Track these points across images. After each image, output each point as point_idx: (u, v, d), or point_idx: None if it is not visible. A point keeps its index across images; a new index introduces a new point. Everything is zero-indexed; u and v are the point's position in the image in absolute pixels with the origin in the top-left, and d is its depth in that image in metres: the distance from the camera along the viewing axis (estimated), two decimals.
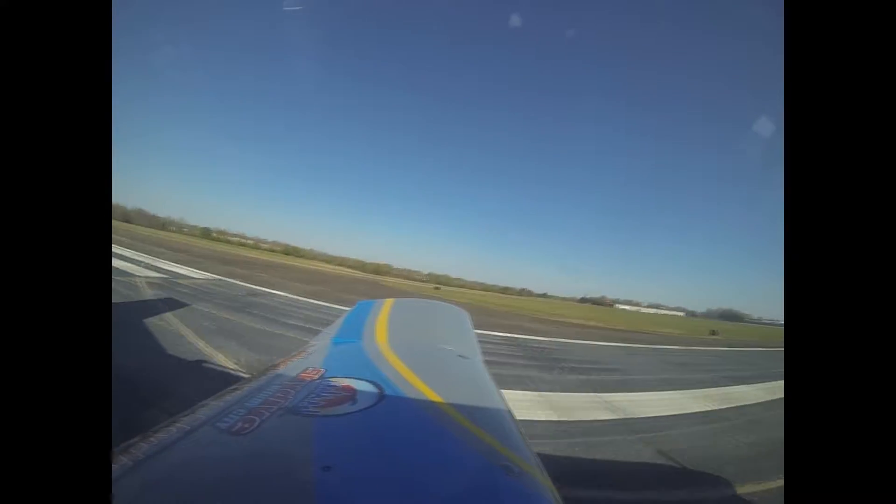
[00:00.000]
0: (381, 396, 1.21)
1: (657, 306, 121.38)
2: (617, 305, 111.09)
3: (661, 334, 29.40)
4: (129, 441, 0.86)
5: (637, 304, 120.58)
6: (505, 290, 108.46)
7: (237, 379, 1.58)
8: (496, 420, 1.25)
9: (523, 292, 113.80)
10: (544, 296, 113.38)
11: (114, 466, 0.77)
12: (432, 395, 1.30)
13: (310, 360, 1.61)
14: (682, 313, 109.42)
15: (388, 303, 2.83)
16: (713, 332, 36.52)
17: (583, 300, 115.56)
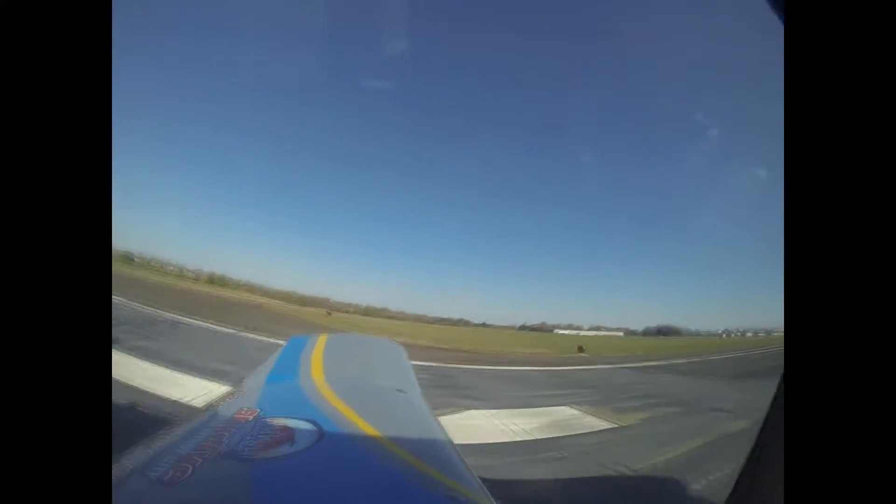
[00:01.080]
0: (321, 436, 1.16)
1: (598, 328, 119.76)
2: (556, 331, 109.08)
3: (525, 355, 26.53)
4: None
5: (578, 328, 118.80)
6: (442, 321, 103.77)
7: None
8: (438, 452, 1.26)
9: (460, 322, 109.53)
10: (484, 325, 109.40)
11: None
12: (373, 432, 1.28)
13: (243, 400, 1.55)
14: (621, 333, 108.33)
15: (322, 339, 2.76)
16: (580, 349, 37.13)
17: (522, 328, 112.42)
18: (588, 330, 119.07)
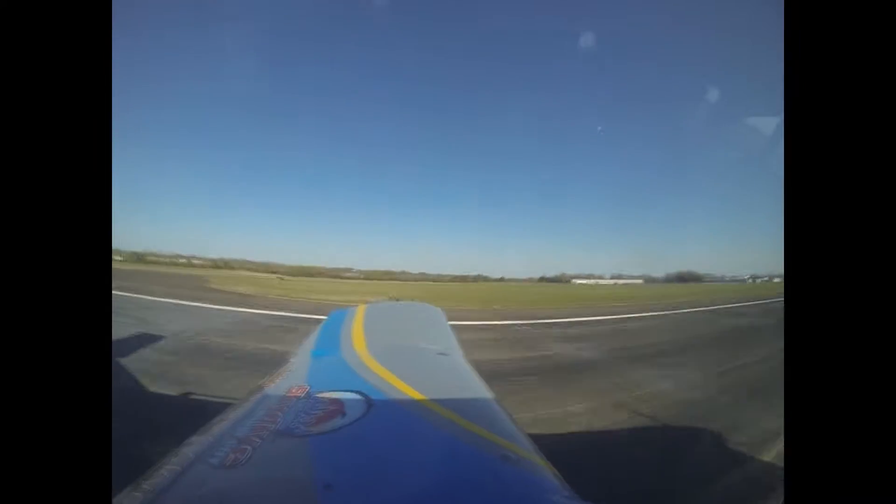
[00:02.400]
0: (370, 405, 1.20)
1: (619, 277, 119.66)
2: (574, 281, 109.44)
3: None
4: (119, 496, 0.81)
5: (599, 278, 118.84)
6: (460, 279, 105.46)
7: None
8: (486, 412, 1.27)
9: (479, 279, 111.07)
10: (501, 280, 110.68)
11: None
12: (419, 397, 1.30)
13: (292, 377, 1.57)
14: (640, 281, 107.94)
15: (361, 309, 2.78)
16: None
17: (542, 279, 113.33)
18: (610, 279, 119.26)
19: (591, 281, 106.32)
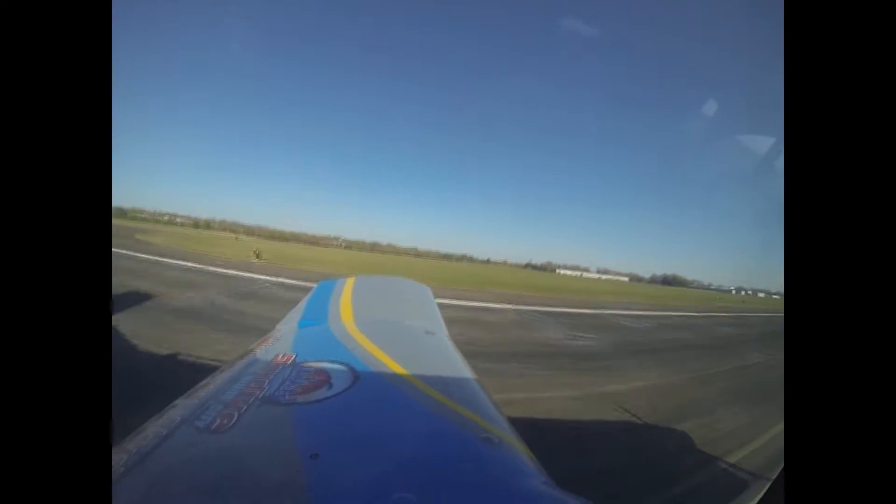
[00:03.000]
0: (356, 378, 1.19)
1: (605, 272, 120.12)
2: (559, 271, 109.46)
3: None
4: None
5: (585, 270, 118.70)
6: (445, 257, 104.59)
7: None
8: (470, 393, 1.27)
9: (463, 258, 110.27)
10: (487, 262, 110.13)
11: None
12: (405, 373, 1.30)
13: (279, 345, 1.57)
14: (626, 279, 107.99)
15: (350, 282, 2.74)
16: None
17: (528, 266, 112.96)
18: (596, 273, 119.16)
19: (577, 273, 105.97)
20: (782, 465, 0.78)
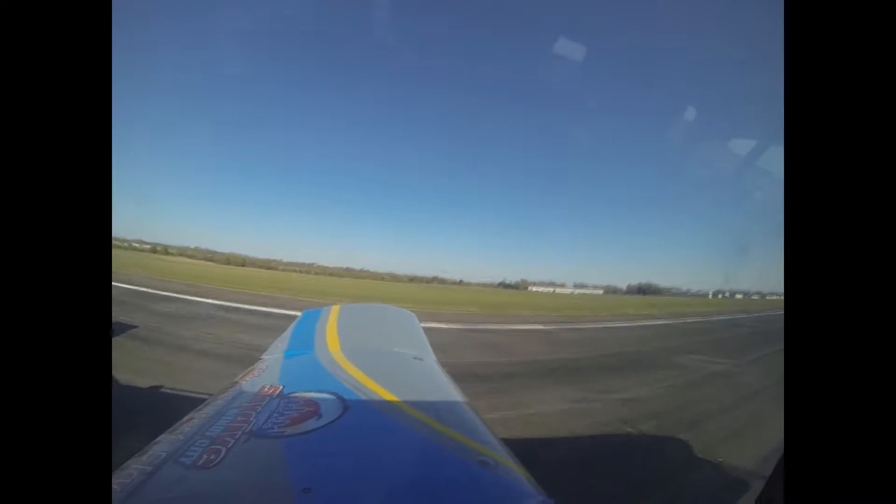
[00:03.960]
0: (345, 407, 1.18)
1: (582, 286, 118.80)
2: (531, 288, 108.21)
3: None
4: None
5: (560, 286, 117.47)
6: (413, 280, 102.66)
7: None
8: (462, 417, 1.26)
9: (434, 281, 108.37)
10: (461, 283, 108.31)
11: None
12: (395, 400, 1.28)
13: (265, 376, 1.53)
14: (601, 291, 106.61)
15: (335, 310, 2.76)
16: None
17: (501, 285, 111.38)
18: (573, 288, 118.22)
19: (550, 289, 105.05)
20: (782, 464, 0.77)
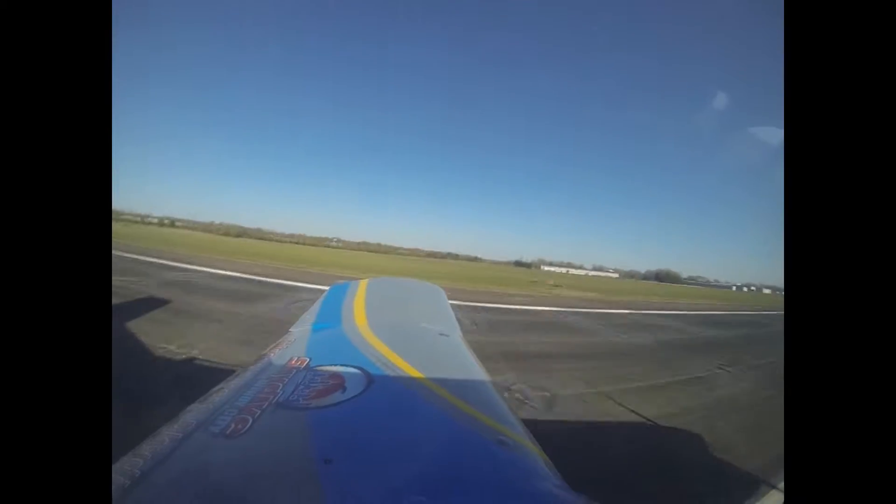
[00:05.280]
0: (370, 382, 1.20)
1: (600, 268, 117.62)
2: (544, 268, 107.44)
3: None
4: (121, 459, 0.83)
5: (578, 267, 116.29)
6: (431, 255, 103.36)
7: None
8: (484, 396, 1.28)
9: (448, 256, 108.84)
10: (476, 259, 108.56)
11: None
12: (419, 376, 1.30)
13: (292, 349, 1.57)
14: (616, 275, 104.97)
15: (363, 284, 2.77)
16: None
17: (516, 263, 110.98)
18: (591, 269, 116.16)
19: (564, 270, 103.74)
20: (782, 466, 0.78)
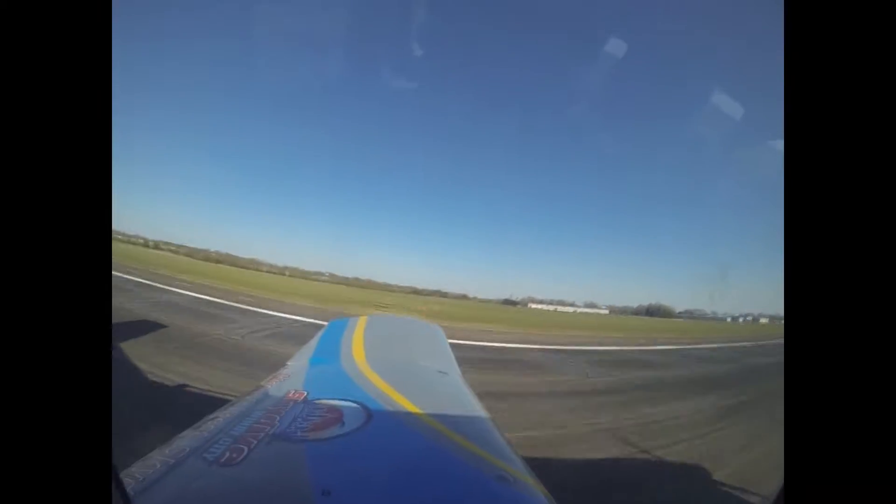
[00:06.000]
0: (369, 416, 1.18)
1: (592, 305, 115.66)
2: (530, 305, 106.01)
3: None
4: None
5: (570, 305, 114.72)
6: (416, 292, 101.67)
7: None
8: (483, 431, 1.27)
9: (436, 293, 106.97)
10: (464, 297, 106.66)
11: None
12: (418, 412, 1.28)
13: (290, 382, 1.56)
14: (606, 311, 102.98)
15: (362, 321, 2.77)
16: None
17: (505, 301, 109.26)
18: (584, 307, 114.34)
19: (552, 307, 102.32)
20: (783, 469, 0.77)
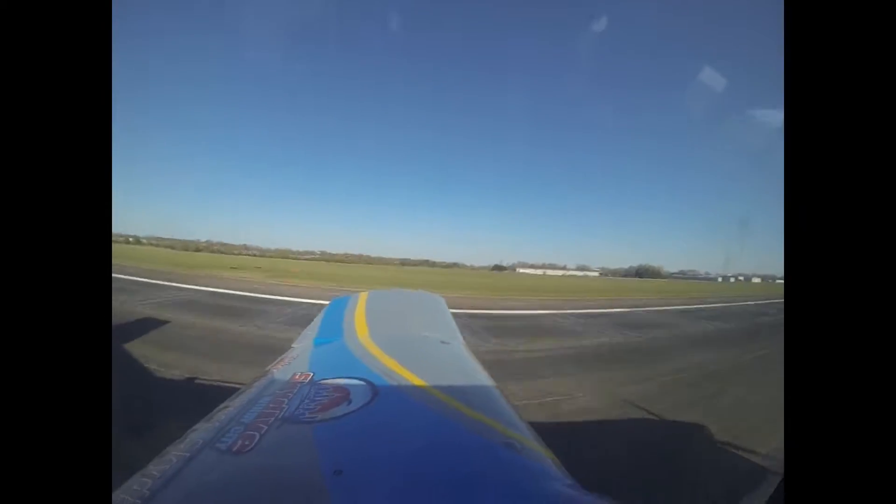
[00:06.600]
0: (375, 393, 1.20)
1: (584, 268, 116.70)
2: (518, 270, 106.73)
3: None
4: (129, 480, 0.83)
5: (561, 268, 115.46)
6: (404, 263, 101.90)
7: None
8: (488, 400, 1.28)
9: (424, 263, 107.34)
10: (454, 266, 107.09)
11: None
12: (423, 385, 1.31)
13: (295, 364, 1.58)
14: (596, 273, 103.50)
15: (363, 297, 2.77)
16: None
17: (495, 267, 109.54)
18: (576, 270, 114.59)
19: (540, 272, 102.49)
20: (782, 466, 0.77)
